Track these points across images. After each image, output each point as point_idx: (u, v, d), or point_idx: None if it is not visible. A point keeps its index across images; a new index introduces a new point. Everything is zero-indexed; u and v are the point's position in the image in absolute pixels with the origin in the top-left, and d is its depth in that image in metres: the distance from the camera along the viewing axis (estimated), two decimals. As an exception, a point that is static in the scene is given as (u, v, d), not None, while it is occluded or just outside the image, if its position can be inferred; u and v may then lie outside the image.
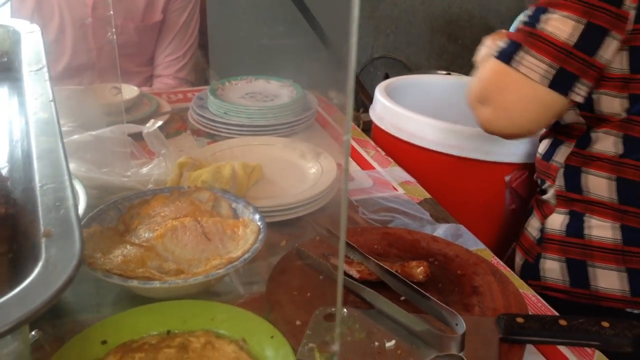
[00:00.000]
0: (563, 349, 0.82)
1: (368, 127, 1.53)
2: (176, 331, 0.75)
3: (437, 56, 3.72)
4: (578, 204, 1.11)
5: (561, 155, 1.13)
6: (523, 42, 0.98)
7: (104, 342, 0.72)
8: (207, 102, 1.38)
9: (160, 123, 1.07)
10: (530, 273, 1.16)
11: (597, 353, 0.82)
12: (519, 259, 1.21)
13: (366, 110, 2.01)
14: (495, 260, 0.98)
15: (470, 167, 1.29)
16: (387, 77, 3.50)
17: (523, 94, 0.98)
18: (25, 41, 0.49)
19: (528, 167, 1.29)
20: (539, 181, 1.21)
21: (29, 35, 0.50)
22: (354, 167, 1.28)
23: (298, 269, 0.86)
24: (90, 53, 1.68)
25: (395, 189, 1.20)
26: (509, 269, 0.98)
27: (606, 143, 1.06)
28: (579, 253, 1.10)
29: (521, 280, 0.96)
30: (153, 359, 0.69)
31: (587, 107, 1.06)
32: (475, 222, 1.13)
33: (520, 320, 0.75)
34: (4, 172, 0.36)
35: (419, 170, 1.28)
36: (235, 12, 3.02)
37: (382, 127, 1.40)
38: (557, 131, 1.15)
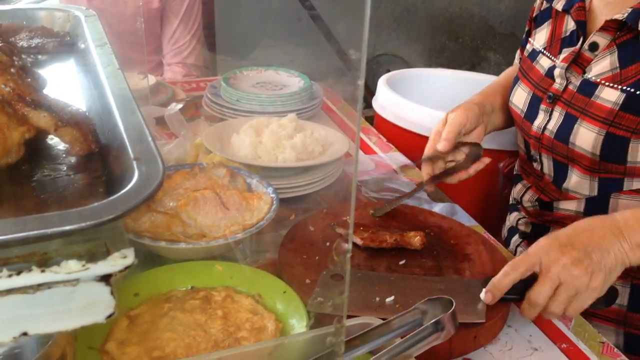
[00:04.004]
0: (545, 310, 0.91)
1: (370, 120, 1.63)
2: (199, 287, 0.84)
3: (438, 54, 3.81)
4: None
5: None
6: None
7: (136, 294, 0.81)
8: (220, 90, 1.47)
9: (180, 106, 1.16)
10: None
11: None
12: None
13: (368, 106, 2.11)
14: (486, 235, 1.07)
15: (466, 153, 1.38)
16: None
17: None
18: (86, 23, 0.59)
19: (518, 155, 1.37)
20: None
21: (88, 18, 0.60)
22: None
23: (307, 237, 0.95)
24: None
25: (396, 172, 1.29)
26: (499, 242, 1.07)
27: None
28: None
29: (509, 252, 1.06)
30: (180, 308, 0.78)
31: None
32: (469, 205, 1.22)
33: None
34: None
35: (417, 156, 1.36)
36: (242, 5, 3.10)
37: (384, 116, 1.49)
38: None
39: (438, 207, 1.16)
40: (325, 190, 1.17)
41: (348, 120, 1.54)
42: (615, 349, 0.85)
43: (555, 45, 1.11)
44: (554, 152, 1.08)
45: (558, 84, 1.06)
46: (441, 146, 1.06)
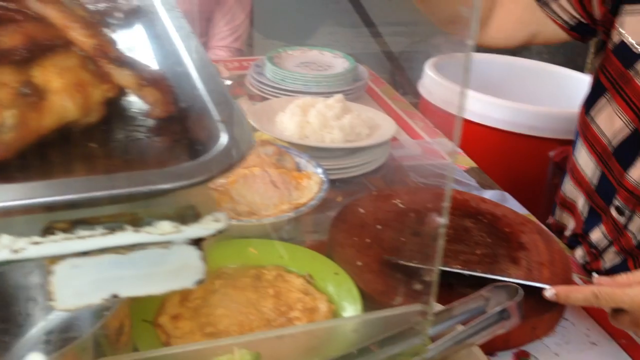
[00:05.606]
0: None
1: (414, 105, 1.60)
2: (249, 264, 0.82)
3: (477, 42, 3.74)
4: None
5: None
6: None
7: (186, 270, 0.80)
8: (265, 69, 1.46)
9: (229, 82, 1.14)
10: None
11: None
12: None
13: (405, 93, 2.08)
14: (539, 224, 1.04)
15: (515, 141, 1.35)
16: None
17: None
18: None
19: (572, 143, 1.33)
20: None
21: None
22: (403, 136, 1.34)
23: (357, 219, 0.93)
24: None
25: (444, 158, 1.26)
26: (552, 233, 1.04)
27: None
28: None
29: (564, 244, 1.02)
30: (231, 284, 0.77)
31: None
32: (517, 194, 1.19)
33: None
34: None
35: (465, 142, 1.33)
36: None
37: (431, 100, 1.46)
38: None
39: (488, 194, 1.13)
40: (372, 174, 1.14)
41: (393, 103, 1.51)
42: (678, 347, 0.82)
43: None
44: None
45: None
46: None
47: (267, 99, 1.41)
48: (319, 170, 0.97)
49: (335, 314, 0.75)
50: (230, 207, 0.88)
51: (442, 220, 0.38)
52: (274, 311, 0.74)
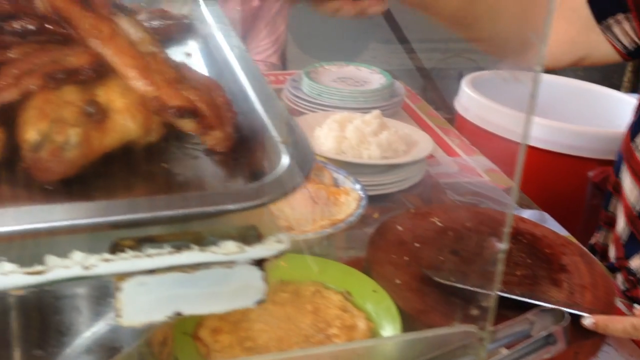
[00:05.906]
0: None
1: (450, 122, 1.59)
2: (287, 280, 0.83)
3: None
4: None
5: None
6: None
7: (225, 283, 0.81)
8: (301, 83, 1.47)
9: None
10: None
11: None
12: None
13: (437, 109, 2.07)
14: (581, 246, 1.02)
15: (554, 160, 1.33)
16: (461, 76, 3.52)
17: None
18: (204, 7, 0.58)
19: (612, 164, 1.31)
20: None
21: (207, 2, 0.59)
22: (439, 152, 1.34)
23: (395, 236, 0.93)
24: None
25: (481, 176, 1.25)
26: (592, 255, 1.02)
27: None
28: None
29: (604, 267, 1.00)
30: (271, 300, 0.77)
31: None
32: (555, 214, 1.17)
33: None
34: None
35: (502, 160, 1.32)
36: None
37: (467, 117, 1.45)
38: None
39: (526, 214, 1.11)
40: (409, 191, 1.14)
41: (429, 119, 1.51)
42: None
43: None
44: None
45: None
46: None
47: (303, 113, 1.42)
48: (357, 187, 0.97)
49: (373, 332, 0.75)
50: (269, 221, 0.89)
51: (502, 245, 0.38)
52: (312, 327, 0.74)
